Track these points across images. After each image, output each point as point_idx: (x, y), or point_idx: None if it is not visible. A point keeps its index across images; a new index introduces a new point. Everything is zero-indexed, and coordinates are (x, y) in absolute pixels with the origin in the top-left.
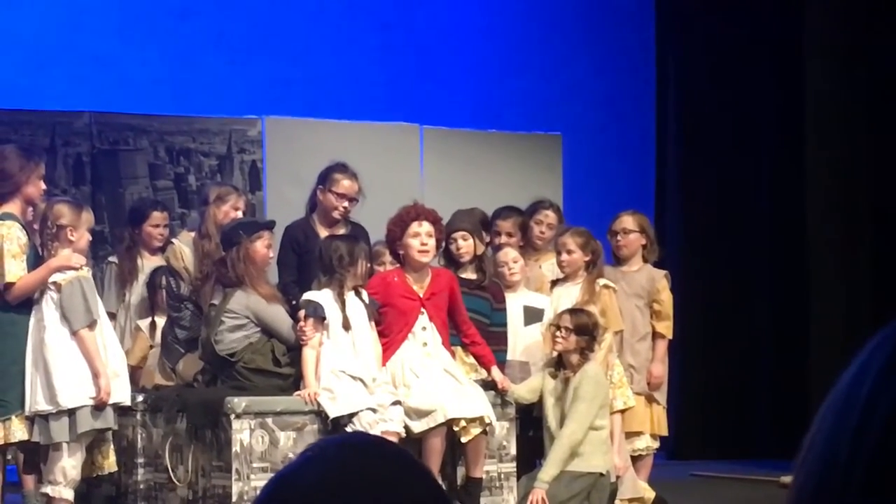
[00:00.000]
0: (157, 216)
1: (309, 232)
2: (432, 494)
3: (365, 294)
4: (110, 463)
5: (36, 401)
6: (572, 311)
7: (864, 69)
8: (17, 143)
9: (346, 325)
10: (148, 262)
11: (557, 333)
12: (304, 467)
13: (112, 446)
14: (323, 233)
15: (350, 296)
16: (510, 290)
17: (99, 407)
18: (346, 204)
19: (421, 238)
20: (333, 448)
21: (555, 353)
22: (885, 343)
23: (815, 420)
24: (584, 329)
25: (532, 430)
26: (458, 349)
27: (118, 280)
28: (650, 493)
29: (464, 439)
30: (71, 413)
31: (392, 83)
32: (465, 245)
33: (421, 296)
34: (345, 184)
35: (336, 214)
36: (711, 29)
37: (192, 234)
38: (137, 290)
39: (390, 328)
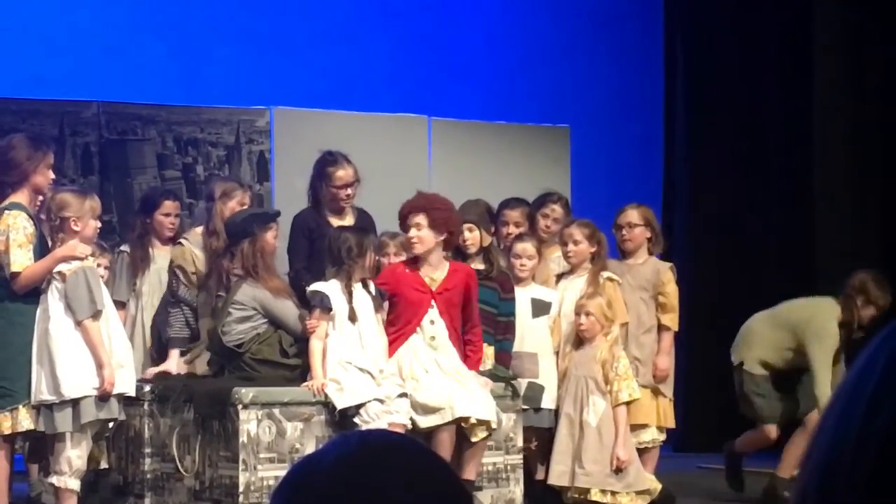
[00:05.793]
0: (169, 205)
1: (320, 220)
2: (454, 489)
3: (372, 286)
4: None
5: (40, 390)
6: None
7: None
8: (26, 132)
9: (353, 317)
10: (159, 252)
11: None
12: (327, 454)
13: (105, 442)
14: (333, 220)
15: (357, 287)
16: (518, 283)
17: (103, 397)
18: (348, 192)
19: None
20: (356, 438)
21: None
22: (892, 338)
23: (822, 415)
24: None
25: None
26: None
27: (129, 269)
28: (656, 486)
29: (473, 440)
30: (75, 403)
31: (400, 74)
32: (472, 237)
33: (433, 289)
34: (340, 174)
35: (343, 204)
36: (720, 21)
37: (202, 229)
38: (149, 279)
39: (398, 319)
